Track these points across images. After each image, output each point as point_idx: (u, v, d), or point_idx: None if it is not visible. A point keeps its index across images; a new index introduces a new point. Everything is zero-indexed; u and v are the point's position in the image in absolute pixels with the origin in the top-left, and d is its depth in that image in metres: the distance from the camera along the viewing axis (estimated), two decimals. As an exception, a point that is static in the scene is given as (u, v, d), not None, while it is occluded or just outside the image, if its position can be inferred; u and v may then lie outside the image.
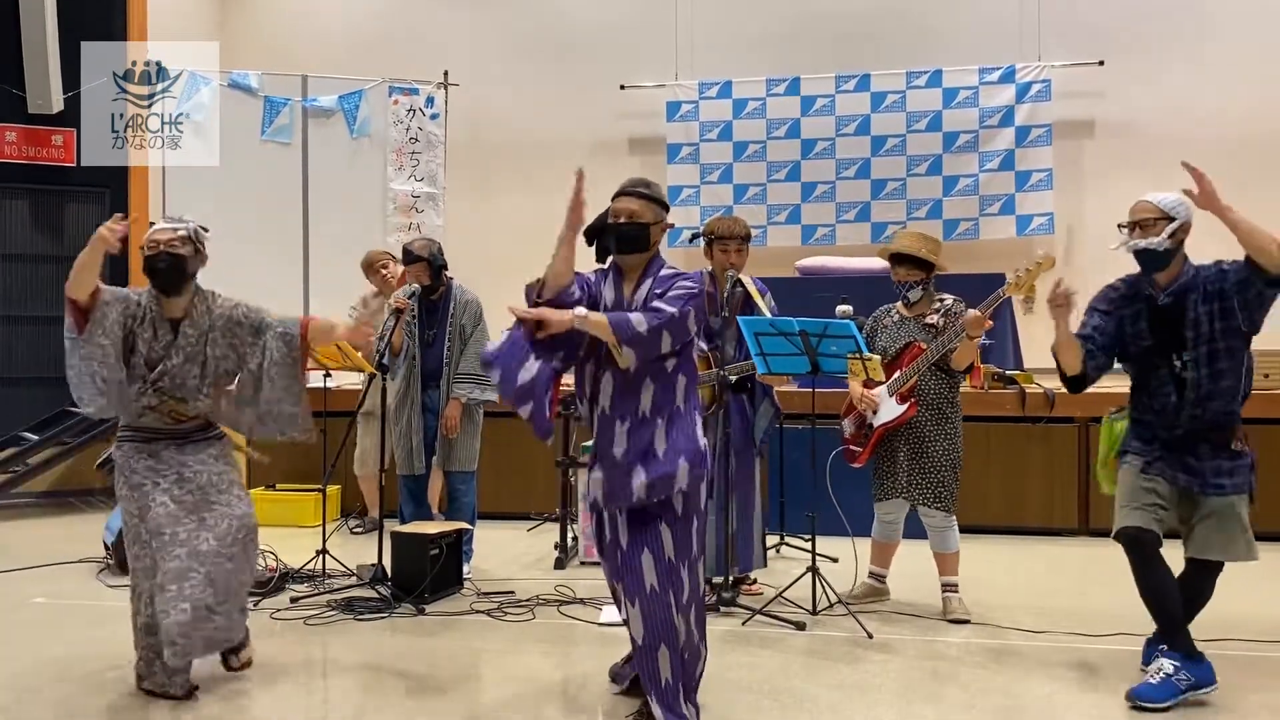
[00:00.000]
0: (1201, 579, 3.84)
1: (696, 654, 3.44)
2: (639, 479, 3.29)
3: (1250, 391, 3.83)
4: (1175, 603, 3.73)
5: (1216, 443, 3.74)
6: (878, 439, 4.86)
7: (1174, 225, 3.72)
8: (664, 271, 3.46)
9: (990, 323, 4.57)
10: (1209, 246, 3.85)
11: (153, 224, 3.94)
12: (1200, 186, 3.59)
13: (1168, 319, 3.76)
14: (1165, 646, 3.74)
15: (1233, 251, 3.68)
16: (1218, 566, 3.82)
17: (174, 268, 3.82)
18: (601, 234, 3.49)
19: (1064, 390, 4.06)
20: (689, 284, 3.37)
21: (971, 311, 4.54)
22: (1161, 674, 3.65)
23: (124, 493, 3.83)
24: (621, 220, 3.44)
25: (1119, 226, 3.82)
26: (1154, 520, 3.71)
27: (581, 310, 3.28)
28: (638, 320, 3.24)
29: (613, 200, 3.50)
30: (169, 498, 3.78)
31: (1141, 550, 3.70)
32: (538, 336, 3.31)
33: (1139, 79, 8.86)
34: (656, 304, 3.31)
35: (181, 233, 3.85)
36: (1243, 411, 3.80)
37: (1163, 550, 3.71)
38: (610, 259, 3.55)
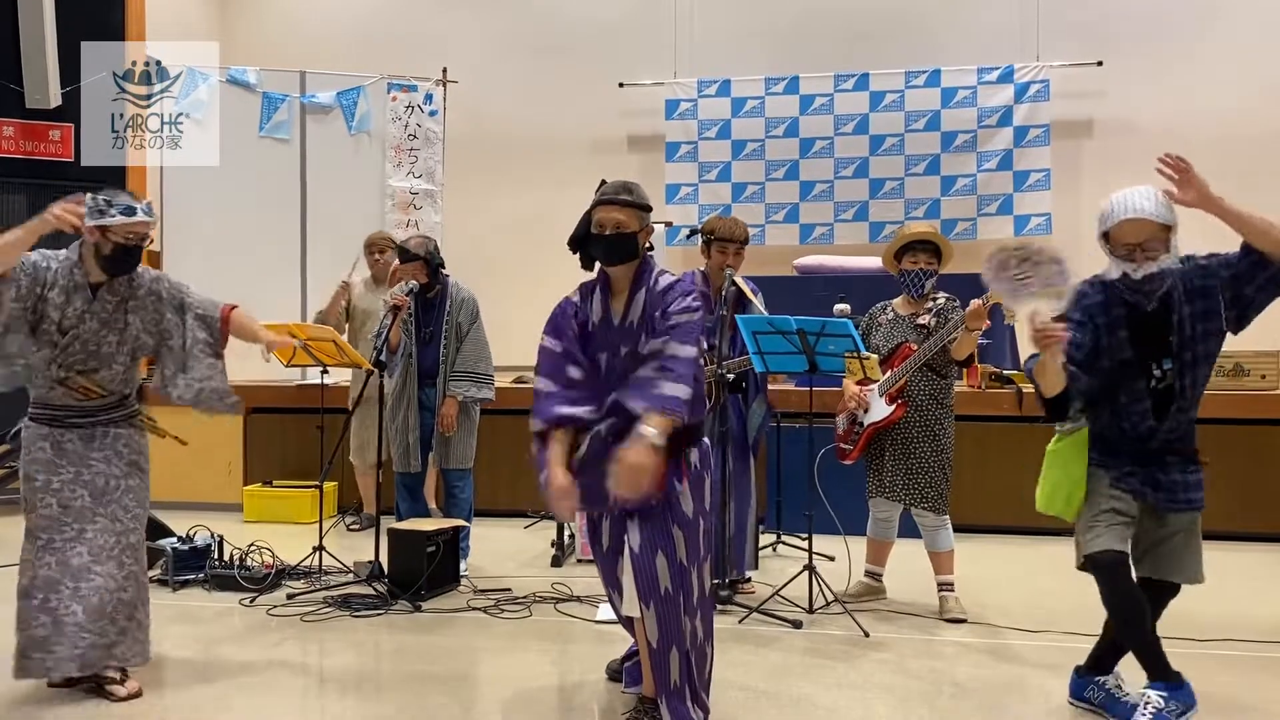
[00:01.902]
0: (1158, 604, 3.45)
1: (704, 655, 3.43)
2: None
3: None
4: (1140, 616, 3.36)
5: (1183, 455, 3.40)
6: (868, 438, 4.88)
7: (1175, 238, 3.29)
8: (658, 284, 3.32)
9: (988, 322, 4.58)
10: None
11: (126, 211, 3.75)
12: (1187, 182, 3.20)
13: (1151, 327, 3.33)
14: (1152, 682, 3.37)
15: (1209, 241, 3.34)
16: (1174, 590, 3.47)
17: (140, 256, 3.85)
18: (586, 242, 3.38)
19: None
20: (691, 304, 3.22)
21: (974, 301, 4.53)
22: (1152, 709, 3.30)
23: (23, 471, 3.77)
24: (608, 232, 3.31)
25: (1111, 253, 3.33)
26: (1122, 539, 3.37)
27: (649, 434, 3.02)
28: (673, 390, 3.07)
29: (594, 208, 3.36)
30: (55, 500, 3.73)
31: (1115, 574, 3.34)
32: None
33: (1137, 79, 8.87)
34: (667, 363, 3.11)
35: (153, 223, 3.87)
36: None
37: None
38: (596, 267, 3.44)
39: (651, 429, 3.02)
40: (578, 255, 3.44)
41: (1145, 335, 3.33)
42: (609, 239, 3.32)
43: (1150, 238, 3.26)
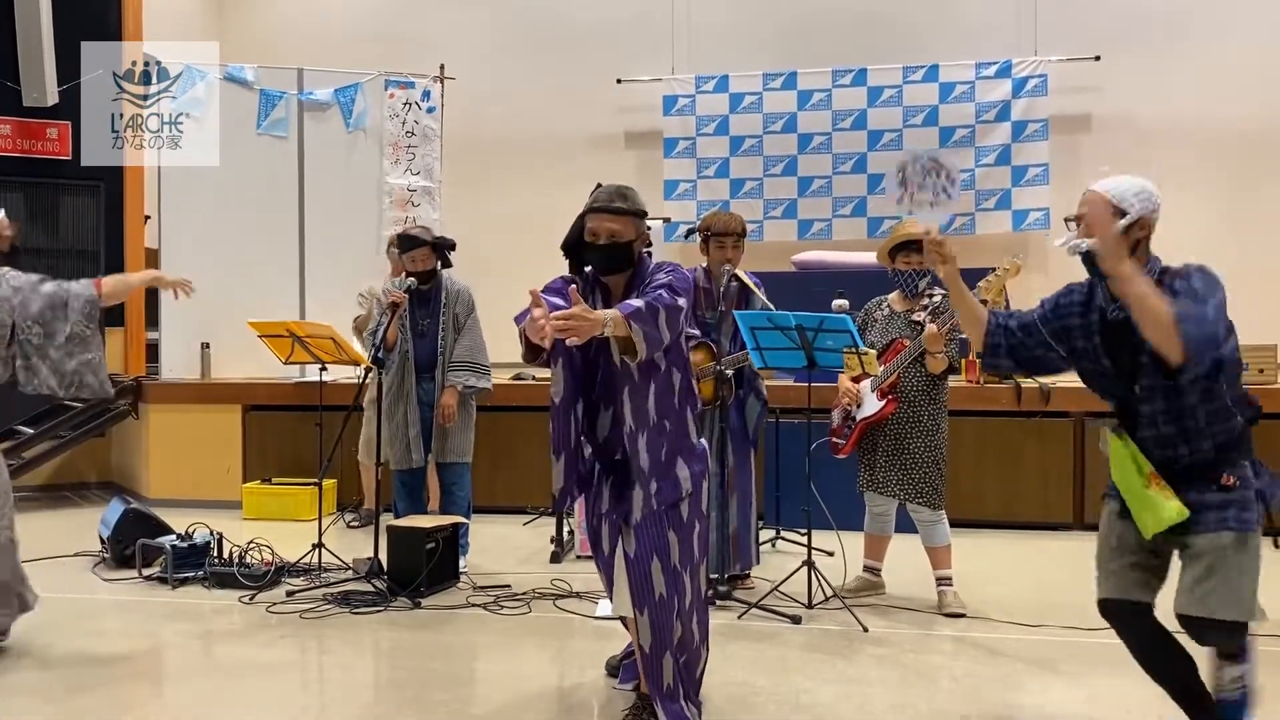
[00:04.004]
0: (1203, 636, 2.92)
1: (697, 656, 3.45)
2: (653, 487, 3.23)
3: (1249, 415, 2.97)
4: (1183, 673, 3.01)
5: (1206, 478, 2.93)
6: (860, 432, 4.89)
7: (1125, 222, 2.89)
8: (647, 278, 3.31)
9: (942, 347, 4.62)
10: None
11: None
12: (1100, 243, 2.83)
13: (1122, 338, 2.97)
14: None
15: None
16: (1214, 626, 2.87)
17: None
18: (579, 248, 3.33)
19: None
20: (668, 271, 3.24)
21: (930, 328, 4.60)
22: None
23: None
24: (601, 241, 3.25)
25: (1065, 220, 3.03)
26: (1135, 582, 2.97)
27: (605, 313, 3.01)
28: (637, 303, 3.09)
29: (587, 215, 3.29)
30: None
31: (1124, 624, 3.02)
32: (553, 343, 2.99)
33: (1135, 74, 8.87)
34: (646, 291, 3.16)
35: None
36: None
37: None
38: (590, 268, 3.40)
39: (606, 314, 2.98)
40: (569, 259, 3.41)
41: (1119, 345, 2.99)
42: (602, 249, 3.27)
43: (1089, 210, 2.94)
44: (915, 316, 4.86)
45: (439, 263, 5.47)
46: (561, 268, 3.60)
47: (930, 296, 4.89)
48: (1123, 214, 2.90)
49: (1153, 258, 2.99)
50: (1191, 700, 3.02)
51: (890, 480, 4.82)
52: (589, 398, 3.35)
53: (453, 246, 5.50)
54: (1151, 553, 2.98)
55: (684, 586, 3.29)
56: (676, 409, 3.31)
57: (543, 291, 3.17)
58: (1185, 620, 2.91)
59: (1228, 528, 2.87)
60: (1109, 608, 3.02)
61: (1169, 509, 2.88)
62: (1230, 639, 2.92)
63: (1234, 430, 2.93)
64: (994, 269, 4.58)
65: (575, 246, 3.35)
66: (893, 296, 5.01)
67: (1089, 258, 2.94)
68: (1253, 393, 3.07)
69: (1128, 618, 3.00)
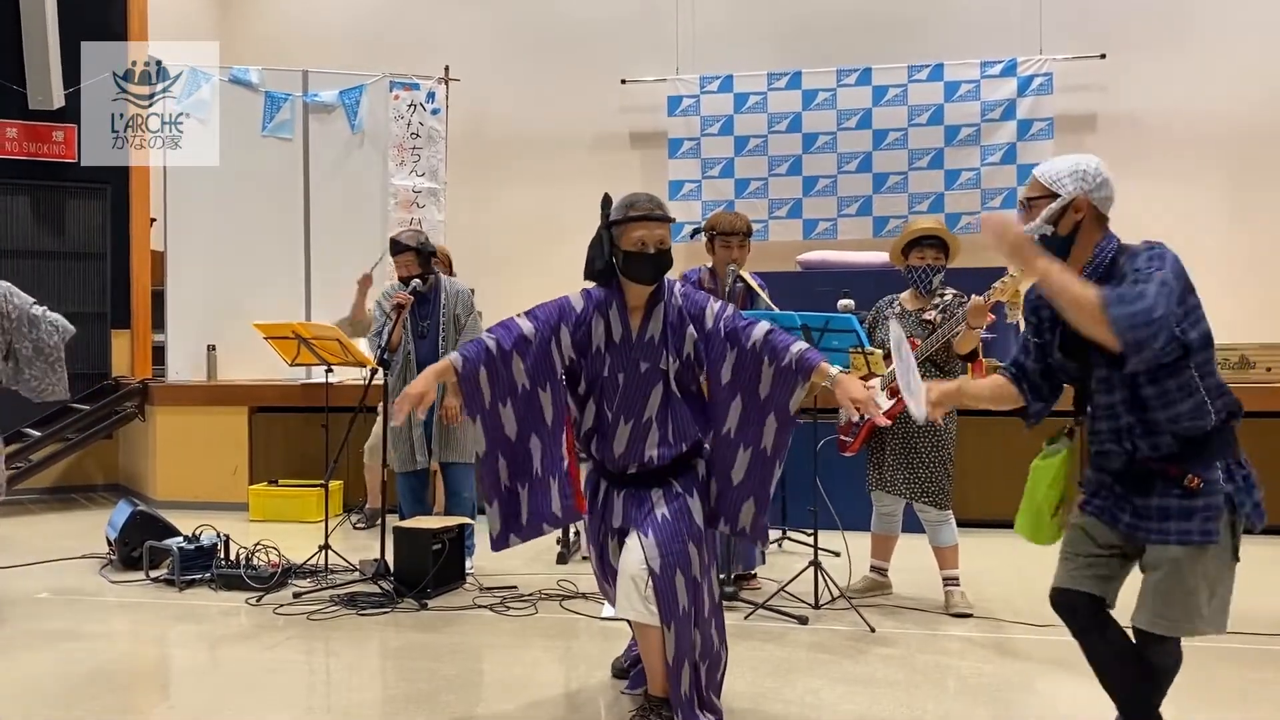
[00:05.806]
0: (1146, 649, 2.84)
1: (718, 660, 3.43)
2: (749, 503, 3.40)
3: (1228, 410, 2.81)
4: (1125, 678, 2.90)
5: (1169, 477, 2.77)
6: (868, 431, 4.88)
7: (1056, 205, 2.75)
8: (676, 296, 3.32)
9: (992, 316, 4.57)
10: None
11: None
12: (995, 233, 2.70)
13: (1074, 331, 2.76)
14: None
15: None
16: (1159, 640, 2.81)
17: None
18: (619, 260, 3.26)
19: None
20: (717, 304, 3.37)
21: (975, 298, 4.53)
22: None
23: None
24: (651, 250, 3.25)
25: (1019, 202, 2.99)
26: (1089, 577, 2.87)
27: (835, 370, 3.32)
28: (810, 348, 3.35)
29: (629, 225, 3.25)
30: None
31: (1074, 619, 2.92)
32: None
33: (1141, 72, 8.85)
34: (781, 335, 3.29)
35: None
36: (1243, 405, 2.89)
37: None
38: (601, 280, 3.35)
39: (833, 370, 3.29)
40: (592, 276, 3.34)
41: (1071, 338, 2.82)
42: (653, 258, 3.26)
43: (1029, 194, 2.86)
44: (926, 316, 4.84)
45: (420, 269, 5.47)
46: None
47: (942, 296, 4.88)
48: (1055, 196, 2.79)
49: (1109, 237, 2.81)
50: (1127, 703, 2.89)
51: (898, 479, 4.81)
52: (601, 405, 3.34)
53: (433, 253, 5.55)
54: (1104, 553, 2.89)
55: (702, 597, 3.29)
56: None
57: (525, 314, 3.31)
58: (1136, 632, 2.85)
59: (1188, 540, 2.72)
60: (1057, 599, 2.93)
61: (1044, 536, 3.04)
62: (1175, 651, 2.85)
63: (1204, 427, 2.73)
64: (1008, 270, 4.56)
65: (610, 262, 3.29)
66: (904, 295, 5.00)
67: (1045, 241, 2.80)
68: (1236, 391, 2.90)
69: (1077, 610, 2.90)
